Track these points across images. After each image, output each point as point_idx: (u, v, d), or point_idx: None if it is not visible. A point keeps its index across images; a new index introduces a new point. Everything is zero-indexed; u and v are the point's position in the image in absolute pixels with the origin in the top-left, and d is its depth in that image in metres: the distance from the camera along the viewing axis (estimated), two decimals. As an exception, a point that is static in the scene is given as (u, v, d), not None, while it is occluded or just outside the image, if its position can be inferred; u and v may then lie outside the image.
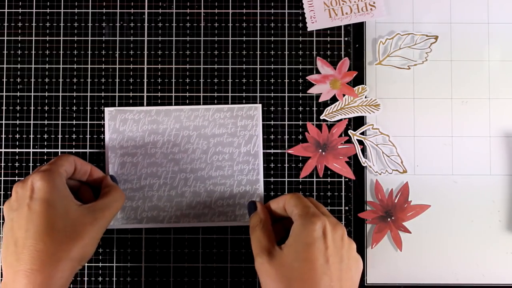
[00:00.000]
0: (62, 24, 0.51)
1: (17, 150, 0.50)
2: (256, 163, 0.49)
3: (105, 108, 0.50)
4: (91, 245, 0.43)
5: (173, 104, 0.50)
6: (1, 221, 0.50)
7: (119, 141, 0.49)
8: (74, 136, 0.50)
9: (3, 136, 0.50)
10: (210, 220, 0.49)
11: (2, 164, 0.50)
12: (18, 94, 0.50)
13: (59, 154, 0.50)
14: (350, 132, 0.50)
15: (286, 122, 0.50)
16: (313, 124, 0.50)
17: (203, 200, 0.49)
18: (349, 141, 0.50)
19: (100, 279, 0.49)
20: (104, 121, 0.50)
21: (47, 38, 0.50)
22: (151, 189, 0.49)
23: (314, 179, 0.50)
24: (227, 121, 0.50)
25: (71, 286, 0.49)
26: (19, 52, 0.50)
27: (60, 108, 0.50)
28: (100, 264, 0.50)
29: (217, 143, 0.49)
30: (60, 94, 0.50)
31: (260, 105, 0.50)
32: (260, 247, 0.42)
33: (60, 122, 0.50)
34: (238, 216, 0.49)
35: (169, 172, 0.49)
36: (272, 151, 0.50)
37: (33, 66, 0.50)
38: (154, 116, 0.49)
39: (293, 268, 0.39)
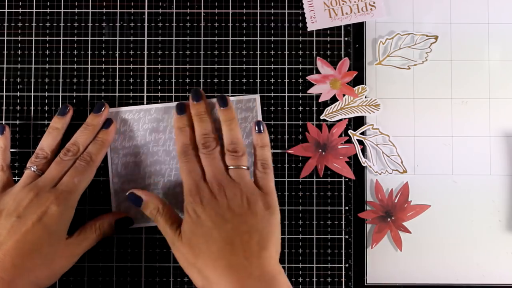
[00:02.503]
0: (62, 24, 0.51)
1: (17, 150, 0.50)
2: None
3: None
4: (55, 276, 0.44)
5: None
6: None
7: (120, 142, 0.49)
8: (74, 136, 0.50)
9: (3, 136, 0.50)
10: None
11: (2, 164, 0.50)
12: (18, 94, 0.50)
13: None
14: (350, 132, 0.50)
15: (286, 122, 0.50)
16: (313, 124, 0.50)
17: None
18: (349, 141, 0.50)
19: (100, 279, 0.49)
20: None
21: (47, 38, 0.50)
22: (156, 187, 0.49)
23: (314, 179, 0.50)
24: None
25: (71, 286, 0.49)
26: (19, 52, 0.50)
27: (60, 108, 0.50)
28: (100, 264, 0.50)
29: (218, 137, 0.49)
30: (60, 94, 0.50)
31: (258, 95, 0.50)
32: (168, 239, 0.44)
33: (60, 122, 0.50)
34: None
35: (173, 169, 0.49)
36: (272, 151, 0.50)
37: (33, 66, 0.50)
38: (154, 114, 0.49)
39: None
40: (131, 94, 0.50)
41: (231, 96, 0.50)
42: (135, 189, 0.47)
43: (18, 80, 0.50)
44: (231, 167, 0.45)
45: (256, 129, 0.47)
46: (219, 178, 0.44)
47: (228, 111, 0.47)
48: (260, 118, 0.49)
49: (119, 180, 0.49)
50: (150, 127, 0.49)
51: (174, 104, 0.49)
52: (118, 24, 0.51)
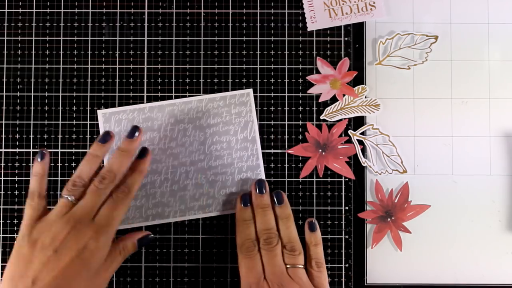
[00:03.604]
0: (62, 24, 0.51)
1: (17, 150, 0.50)
2: (254, 148, 0.49)
3: (98, 111, 0.50)
4: None
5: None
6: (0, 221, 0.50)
7: (116, 142, 0.49)
8: (74, 136, 0.50)
9: (3, 136, 0.50)
10: (216, 210, 0.49)
11: (2, 164, 0.50)
12: (18, 94, 0.50)
13: (59, 153, 0.50)
14: (350, 132, 0.50)
15: (286, 122, 0.50)
16: (313, 124, 0.50)
17: (206, 192, 0.49)
18: (349, 141, 0.50)
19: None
20: (98, 123, 0.50)
21: (47, 38, 0.50)
22: (153, 186, 0.49)
23: (314, 179, 0.50)
24: (221, 110, 0.50)
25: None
26: (19, 52, 0.50)
27: (60, 108, 0.50)
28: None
29: (213, 133, 0.49)
30: (60, 94, 0.50)
31: (251, 89, 0.50)
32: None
33: (60, 122, 0.50)
34: None
35: (169, 167, 0.49)
36: (272, 151, 0.50)
37: (33, 66, 0.50)
38: (147, 113, 0.49)
39: None
40: (131, 94, 0.50)
41: (224, 92, 0.50)
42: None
43: (18, 80, 0.50)
44: (289, 265, 0.45)
45: (308, 227, 0.48)
46: (280, 278, 0.44)
47: (284, 208, 0.47)
48: (254, 111, 0.50)
49: None
50: (145, 126, 0.49)
51: (167, 102, 0.49)
52: (118, 24, 0.51)
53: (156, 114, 0.50)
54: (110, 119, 0.49)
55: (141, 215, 0.48)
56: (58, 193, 0.50)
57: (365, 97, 0.50)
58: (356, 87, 0.50)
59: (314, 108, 0.50)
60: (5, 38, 0.50)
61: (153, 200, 0.49)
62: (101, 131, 0.50)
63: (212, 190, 0.49)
